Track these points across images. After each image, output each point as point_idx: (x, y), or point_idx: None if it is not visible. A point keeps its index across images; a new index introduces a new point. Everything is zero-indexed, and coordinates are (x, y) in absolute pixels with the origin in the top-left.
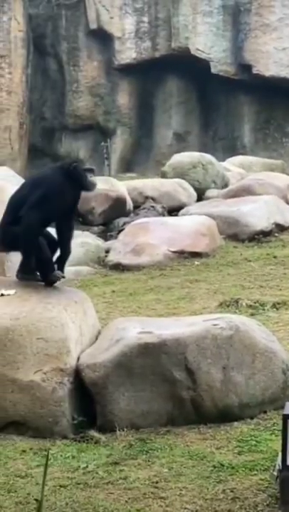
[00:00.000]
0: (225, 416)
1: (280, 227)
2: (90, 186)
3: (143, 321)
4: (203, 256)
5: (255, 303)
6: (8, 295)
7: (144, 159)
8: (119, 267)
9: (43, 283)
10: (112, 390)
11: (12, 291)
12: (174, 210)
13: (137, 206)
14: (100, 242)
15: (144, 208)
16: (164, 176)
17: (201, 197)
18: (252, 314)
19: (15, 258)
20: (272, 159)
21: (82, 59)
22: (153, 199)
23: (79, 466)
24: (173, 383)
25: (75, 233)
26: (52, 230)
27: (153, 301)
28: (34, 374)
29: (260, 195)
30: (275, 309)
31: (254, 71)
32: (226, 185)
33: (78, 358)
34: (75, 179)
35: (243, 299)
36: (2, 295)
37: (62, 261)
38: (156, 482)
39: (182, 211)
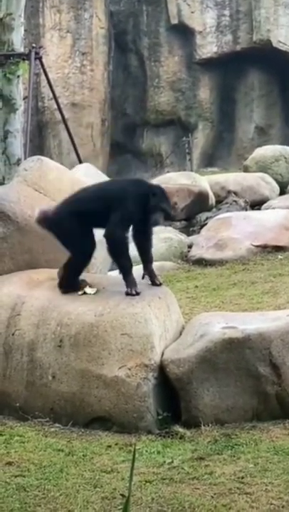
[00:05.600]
0: None
1: None
2: (154, 223)
3: (227, 316)
4: (286, 250)
5: None
6: (91, 294)
7: (226, 153)
8: (202, 262)
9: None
10: (197, 386)
11: (94, 290)
12: (256, 204)
13: (219, 201)
14: (182, 237)
15: (226, 203)
16: (246, 169)
17: (283, 190)
18: None
19: (98, 253)
20: None
21: (163, 54)
22: (235, 193)
23: (164, 462)
24: (257, 378)
25: (158, 228)
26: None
27: (236, 295)
28: (118, 370)
29: None
30: None
31: None
32: None
33: (162, 354)
34: (149, 210)
35: None
36: (85, 293)
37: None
38: (242, 477)
39: (265, 205)
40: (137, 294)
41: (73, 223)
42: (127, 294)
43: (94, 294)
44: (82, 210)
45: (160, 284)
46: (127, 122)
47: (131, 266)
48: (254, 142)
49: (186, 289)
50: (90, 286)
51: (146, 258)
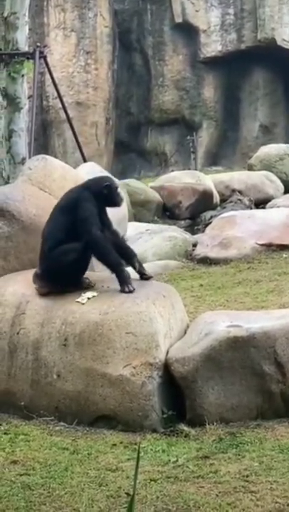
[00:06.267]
0: None
1: None
2: (120, 202)
3: (231, 315)
4: None
5: None
6: (93, 297)
7: (230, 152)
8: (206, 261)
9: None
10: (202, 384)
11: (95, 293)
12: (261, 203)
13: (223, 199)
14: (187, 235)
15: (230, 201)
16: (250, 168)
17: (288, 189)
18: None
19: None
20: None
21: (167, 53)
22: (240, 192)
23: (169, 460)
24: (262, 377)
25: (162, 227)
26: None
27: (241, 294)
28: (123, 368)
29: None
30: None
31: None
32: None
33: (167, 352)
34: (107, 198)
35: None
36: (88, 299)
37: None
38: (247, 476)
39: (269, 204)
40: (131, 291)
41: (60, 259)
42: (122, 291)
43: (93, 297)
44: (61, 240)
45: (150, 278)
46: (131, 121)
47: (120, 262)
48: (258, 141)
49: (191, 288)
50: (91, 286)
51: (128, 253)
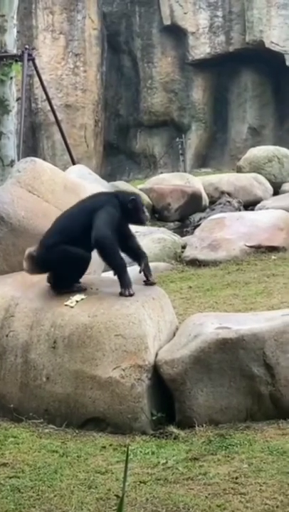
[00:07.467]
0: None
1: None
2: (143, 221)
3: (220, 317)
4: (280, 250)
5: None
6: (82, 299)
7: (219, 154)
8: (195, 263)
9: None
10: (191, 386)
11: (83, 296)
12: (250, 205)
13: (212, 201)
14: (176, 237)
15: (219, 203)
16: (239, 170)
17: (277, 191)
18: None
19: (95, 254)
20: None
21: (156, 55)
22: (229, 194)
23: (158, 462)
24: (251, 378)
25: (151, 229)
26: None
27: (230, 296)
28: (113, 371)
29: None
30: None
31: None
32: None
33: (156, 355)
34: (131, 212)
35: None
36: (77, 302)
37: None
38: (236, 478)
39: (258, 205)
40: (131, 295)
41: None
42: (121, 294)
43: (81, 300)
44: (71, 237)
45: (154, 283)
46: (120, 123)
47: (125, 265)
48: (247, 143)
49: (180, 290)
50: (83, 289)
51: (138, 254)
